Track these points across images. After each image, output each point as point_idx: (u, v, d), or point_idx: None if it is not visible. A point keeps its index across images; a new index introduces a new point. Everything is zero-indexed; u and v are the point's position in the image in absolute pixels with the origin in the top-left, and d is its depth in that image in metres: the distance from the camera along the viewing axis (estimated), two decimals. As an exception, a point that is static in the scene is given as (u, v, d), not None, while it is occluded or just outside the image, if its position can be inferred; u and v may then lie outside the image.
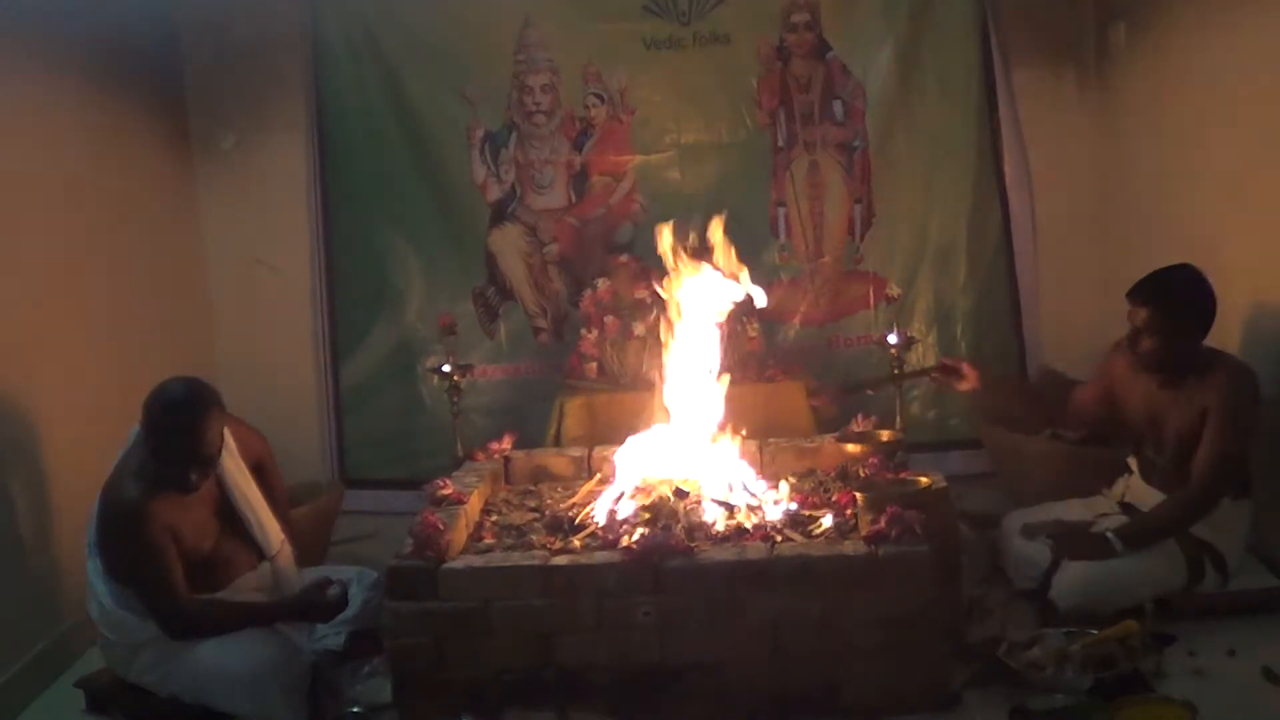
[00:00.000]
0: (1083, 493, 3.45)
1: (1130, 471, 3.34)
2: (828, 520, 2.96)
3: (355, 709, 2.88)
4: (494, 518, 3.22)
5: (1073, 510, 3.37)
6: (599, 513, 3.06)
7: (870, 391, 4.06)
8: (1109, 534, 3.03)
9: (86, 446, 3.07)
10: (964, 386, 3.36)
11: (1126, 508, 3.27)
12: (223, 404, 2.89)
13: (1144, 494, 3.23)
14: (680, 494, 3.08)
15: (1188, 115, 3.76)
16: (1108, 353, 3.38)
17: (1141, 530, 3.05)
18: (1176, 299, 3.04)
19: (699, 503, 3.06)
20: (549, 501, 3.35)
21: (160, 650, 2.82)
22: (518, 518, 3.20)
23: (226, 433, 2.94)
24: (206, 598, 2.86)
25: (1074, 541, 3.08)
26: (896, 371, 3.86)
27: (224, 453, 2.93)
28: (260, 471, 3.14)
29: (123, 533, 2.76)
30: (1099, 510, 3.32)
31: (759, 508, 3.05)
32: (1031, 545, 3.24)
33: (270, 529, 3.06)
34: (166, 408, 2.78)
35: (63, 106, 3.70)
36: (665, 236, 3.39)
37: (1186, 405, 3.05)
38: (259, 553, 3.04)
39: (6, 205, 3.31)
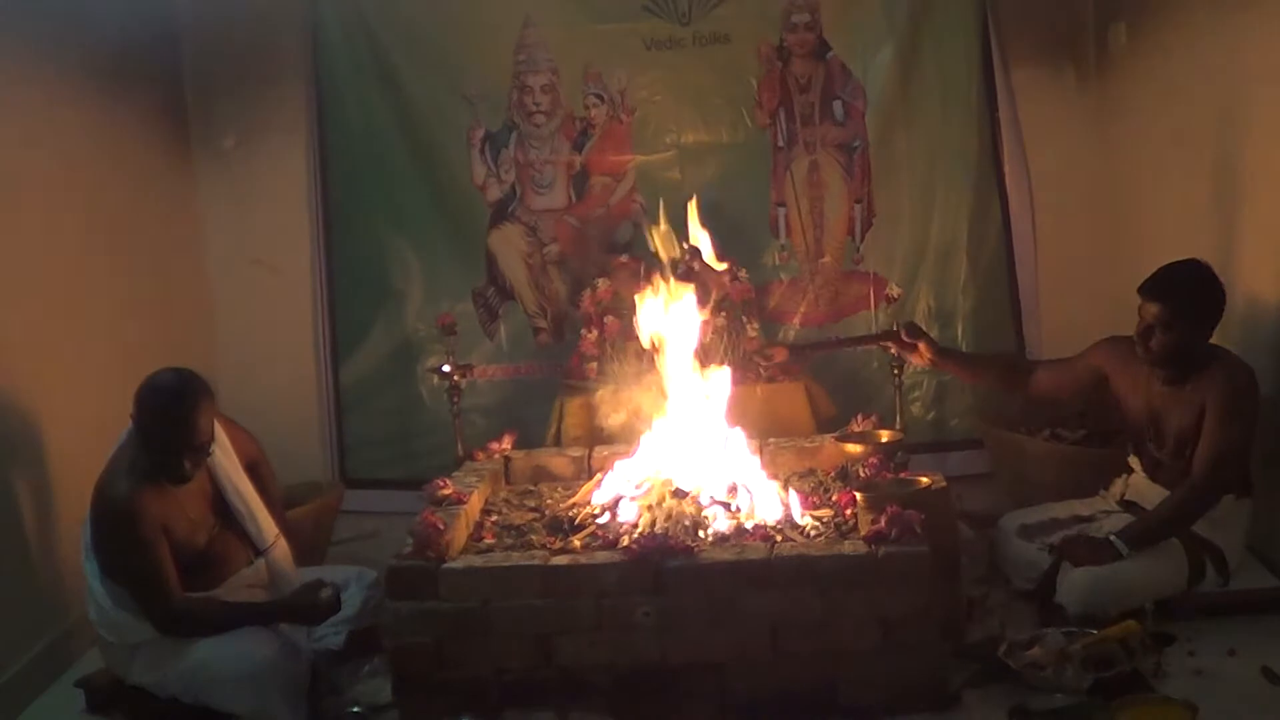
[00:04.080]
0: (1083, 493, 3.44)
1: (1130, 471, 3.33)
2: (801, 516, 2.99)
3: (355, 709, 2.89)
4: (494, 518, 3.22)
5: (1072, 510, 3.37)
6: (597, 508, 3.06)
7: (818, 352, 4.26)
8: (1112, 537, 3.01)
9: (87, 447, 3.07)
10: (917, 360, 3.47)
11: (1129, 505, 3.26)
12: (213, 394, 2.90)
13: (1148, 491, 3.22)
14: (680, 494, 3.08)
15: (1187, 115, 3.75)
16: (1095, 345, 3.33)
17: (1144, 530, 3.03)
18: (1189, 295, 3.01)
19: (699, 502, 3.06)
20: (549, 501, 3.35)
21: (159, 651, 2.82)
22: (518, 518, 3.20)
23: (219, 429, 2.95)
24: (199, 595, 2.85)
25: (1077, 547, 3.06)
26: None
27: (216, 447, 2.93)
28: (253, 471, 3.14)
29: (114, 528, 2.76)
30: (1098, 509, 3.32)
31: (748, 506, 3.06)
32: (1031, 546, 3.24)
33: (263, 522, 3.06)
34: (158, 396, 2.80)
35: (63, 107, 3.70)
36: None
37: (1187, 402, 3.04)
38: (254, 549, 3.04)
39: (6, 206, 3.31)
